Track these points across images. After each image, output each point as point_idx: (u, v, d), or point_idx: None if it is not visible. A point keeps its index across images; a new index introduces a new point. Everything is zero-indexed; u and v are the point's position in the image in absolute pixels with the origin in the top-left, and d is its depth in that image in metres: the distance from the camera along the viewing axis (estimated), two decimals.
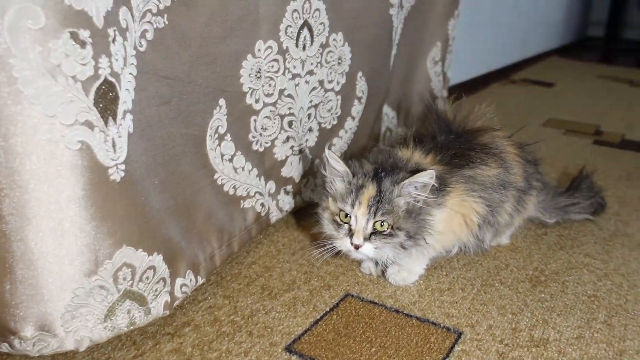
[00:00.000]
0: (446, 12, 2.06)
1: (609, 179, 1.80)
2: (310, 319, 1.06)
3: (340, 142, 1.54)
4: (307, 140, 1.40)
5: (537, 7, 3.88)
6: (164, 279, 0.97)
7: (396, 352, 0.97)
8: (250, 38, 1.14)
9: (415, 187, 1.06)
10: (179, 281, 1.02)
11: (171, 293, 1.00)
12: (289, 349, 0.98)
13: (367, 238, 1.07)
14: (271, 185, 1.32)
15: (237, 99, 1.15)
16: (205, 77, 1.06)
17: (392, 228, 1.07)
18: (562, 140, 2.24)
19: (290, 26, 1.22)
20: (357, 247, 1.07)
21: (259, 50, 1.16)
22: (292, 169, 1.37)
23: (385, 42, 1.64)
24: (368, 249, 1.08)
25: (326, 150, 1.12)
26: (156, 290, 0.96)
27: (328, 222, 1.12)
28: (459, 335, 1.02)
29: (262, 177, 1.28)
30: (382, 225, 1.07)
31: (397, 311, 1.09)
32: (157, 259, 0.95)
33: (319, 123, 1.43)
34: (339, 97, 1.46)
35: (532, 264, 1.28)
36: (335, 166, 1.11)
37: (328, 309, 1.09)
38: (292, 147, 1.34)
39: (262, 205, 1.29)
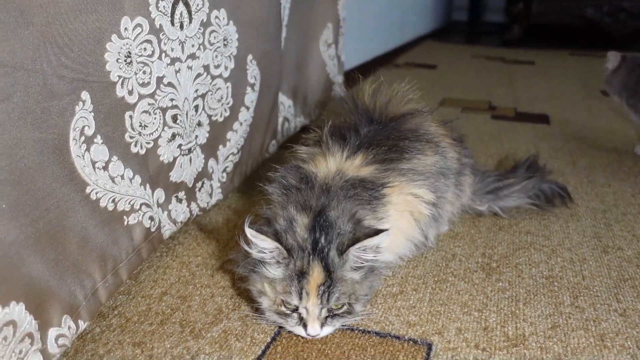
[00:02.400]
0: None
1: (523, 149, 1.80)
2: (251, 357, 0.86)
3: (236, 136, 1.35)
4: (196, 137, 1.20)
5: None
6: (30, 335, 0.74)
7: None
8: (113, 14, 0.92)
9: (365, 250, 0.87)
10: (52, 332, 0.79)
11: (43, 350, 0.76)
12: None
13: (324, 323, 0.88)
14: (159, 194, 1.11)
15: (104, 90, 0.93)
16: (58, 64, 0.83)
17: (349, 304, 0.88)
18: (463, 117, 2.21)
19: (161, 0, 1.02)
20: (314, 336, 0.88)
21: (126, 29, 0.95)
22: (183, 172, 1.16)
23: (275, 22, 1.48)
24: (326, 332, 0.89)
25: (246, 229, 0.86)
26: (21, 352, 0.72)
27: (271, 312, 0.90)
28: (429, 346, 0.89)
29: (148, 185, 1.06)
30: (336, 306, 0.88)
31: (351, 329, 0.93)
32: (17, 310, 0.72)
33: (209, 116, 1.23)
34: (229, 84, 1.28)
35: (478, 250, 1.19)
36: (262, 245, 0.87)
37: (269, 339, 0.90)
38: (179, 145, 1.14)
39: (151, 218, 1.07)
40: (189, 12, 1.11)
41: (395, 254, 1.06)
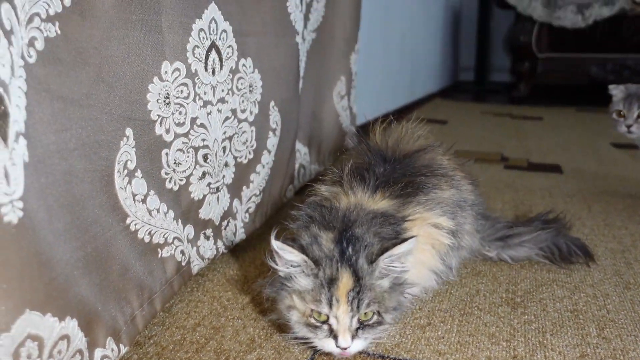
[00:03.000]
0: (347, 46, 2.09)
1: (538, 196, 1.87)
2: None
3: (258, 178, 1.44)
4: (224, 176, 1.28)
5: (419, 53, 4.14)
6: (80, 352, 0.80)
7: None
8: (155, 58, 1.03)
9: (393, 259, 0.94)
10: (98, 352, 0.85)
11: None
12: None
13: (355, 335, 0.92)
14: (189, 230, 1.18)
15: (145, 128, 1.02)
16: (108, 101, 0.93)
17: (379, 314, 0.93)
18: (476, 167, 2.31)
19: (197, 47, 1.13)
20: (344, 349, 0.92)
21: (166, 72, 1.06)
22: (211, 210, 1.24)
23: (294, 72, 1.60)
24: (357, 347, 0.93)
25: (273, 241, 0.92)
26: None
27: (300, 325, 0.94)
28: None
29: (180, 220, 1.14)
30: (366, 315, 0.92)
31: (382, 357, 0.98)
32: (71, 325, 0.78)
33: (235, 157, 1.33)
34: (253, 128, 1.38)
35: (502, 286, 1.24)
36: (289, 258, 0.93)
37: None
38: (209, 184, 1.22)
39: (182, 253, 1.15)
40: (220, 60, 1.22)
41: (419, 287, 1.11)
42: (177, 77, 1.09)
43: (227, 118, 1.27)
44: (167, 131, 1.08)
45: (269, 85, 1.43)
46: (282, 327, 1.03)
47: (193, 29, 1.12)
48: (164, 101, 1.06)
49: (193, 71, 1.13)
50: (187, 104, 1.13)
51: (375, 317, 0.93)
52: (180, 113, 1.11)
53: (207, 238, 1.25)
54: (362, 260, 0.92)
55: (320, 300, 0.91)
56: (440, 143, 1.23)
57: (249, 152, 1.38)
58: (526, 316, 1.12)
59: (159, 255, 1.08)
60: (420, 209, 1.06)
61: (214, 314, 1.11)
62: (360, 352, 0.98)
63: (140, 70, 1.00)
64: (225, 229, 1.32)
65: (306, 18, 1.78)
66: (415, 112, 3.81)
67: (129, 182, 0.99)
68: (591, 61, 4.31)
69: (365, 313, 0.92)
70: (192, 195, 1.18)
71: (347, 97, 2.12)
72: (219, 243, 1.29)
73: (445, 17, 4.89)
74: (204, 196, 1.21)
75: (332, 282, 0.91)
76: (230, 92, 1.27)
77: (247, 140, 1.36)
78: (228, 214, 1.32)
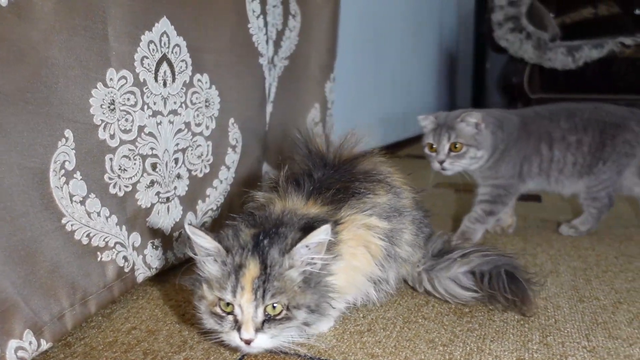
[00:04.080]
0: (322, 75, 2.13)
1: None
2: None
3: (215, 193, 1.45)
4: (175, 187, 1.30)
5: (412, 92, 4.20)
6: None
7: None
8: (99, 64, 1.06)
9: (309, 249, 0.92)
10: (13, 343, 0.85)
11: (1, 358, 0.82)
12: None
13: (260, 328, 0.90)
14: (135, 237, 1.19)
15: (87, 131, 1.05)
16: (45, 101, 0.96)
17: (287, 309, 0.91)
18: (454, 197, 2.31)
19: (146, 57, 1.17)
20: (248, 342, 0.90)
21: (111, 79, 1.09)
22: (160, 219, 1.25)
23: (258, 93, 1.63)
24: (263, 341, 0.90)
25: (186, 225, 0.93)
26: None
27: (207, 315, 0.93)
28: None
29: (124, 227, 1.15)
30: (274, 308, 0.90)
31: (313, 358, 0.97)
32: None
33: (189, 170, 1.34)
34: (210, 142, 1.40)
35: None
36: (202, 244, 0.93)
37: None
38: (158, 193, 1.24)
39: (125, 259, 1.15)
40: (173, 72, 1.25)
41: (354, 293, 1.09)
42: (123, 85, 1.12)
43: (179, 130, 1.29)
44: (112, 137, 1.11)
45: (229, 102, 1.45)
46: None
47: (142, 40, 1.15)
48: (109, 107, 1.09)
49: (141, 80, 1.16)
50: (135, 112, 1.15)
51: (284, 311, 0.91)
52: (126, 120, 1.13)
53: (156, 247, 1.25)
54: (274, 251, 0.92)
55: (226, 288, 0.90)
56: (378, 149, 1.23)
57: (205, 166, 1.40)
58: (470, 324, 1.10)
59: (99, 258, 1.08)
60: (352, 212, 1.05)
61: (152, 319, 1.11)
62: (287, 354, 0.96)
63: (82, 74, 1.03)
64: (177, 240, 1.32)
65: (277, 44, 1.83)
66: (406, 149, 3.85)
67: (66, 183, 1.01)
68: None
69: (273, 306, 0.90)
70: (138, 203, 1.19)
71: (321, 124, 2.15)
72: (169, 254, 1.29)
73: (440, 59, 4.98)
74: (152, 205, 1.23)
75: (239, 269, 0.90)
76: (183, 105, 1.30)
77: (202, 154, 1.38)
78: (180, 226, 1.33)
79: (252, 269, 0.90)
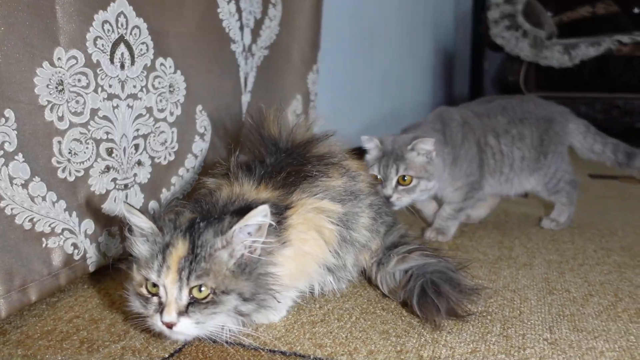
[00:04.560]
0: (304, 66, 2.07)
1: (493, 215, 1.81)
2: None
3: (181, 181, 1.39)
4: (135, 174, 1.24)
5: (405, 90, 4.12)
6: None
7: None
8: (45, 42, 1.01)
9: (248, 232, 0.87)
10: None
11: None
12: None
13: (184, 312, 0.84)
14: (88, 225, 1.13)
15: (31, 112, 0.99)
16: None
17: (215, 293, 0.84)
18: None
19: (100, 37, 1.11)
20: (170, 326, 0.83)
21: (59, 58, 1.03)
22: (118, 207, 1.19)
23: (231, 82, 1.57)
24: (186, 326, 0.83)
25: (123, 204, 0.88)
26: None
27: (134, 297, 0.88)
28: None
29: (75, 213, 1.09)
30: (200, 292, 0.84)
31: (257, 349, 0.91)
32: None
33: (152, 157, 1.28)
34: (175, 129, 1.34)
35: None
36: (137, 223, 0.88)
37: (167, 356, 0.89)
38: (114, 179, 1.18)
39: (75, 246, 1.09)
40: (132, 55, 1.20)
41: (306, 281, 1.03)
42: (73, 65, 1.06)
43: (140, 115, 1.23)
44: (61, 119, 1.05)
45: (196, 89, 1.40)
46: None
47: (95, 19, 1.10)
48: (56, 88, 1.03)
49: (94, 61, 1.10)
50: (87, 93, 1.10)
51: (211, 295, 0.84)
52: (77, 102, 1.08)
53: (113, 235, 1.19)
54: (208, 232, 0.86)
55: (152, 267, 0.85)
56: (333, 132, 1.17)
57: (169, 154, 1.34)
58: None
59: (43, 244, 1.03)
60: (304, 195, 0.99)
61: (98, 308, 1.05)
62: (230, 344, 0.90)
63: (25, 52, 0.97)
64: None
65: (255, 33, 1.77)
66: None
67: (5, 164, 0.95)
68: (580, 100, 4.25)
69: (200, 289, 0.84)
70: (92, 189, 1.13)
71: (303, 116, 2.08)
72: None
73: (436, 57, 4.90)
74: (108, 191, 1.17)
75: (166, 248, 0.85)
76: (144, 89, 1.24)
77: (166, 141, 1.32)
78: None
79: (180, 248, 0.84)
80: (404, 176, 1.38)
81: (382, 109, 3.64)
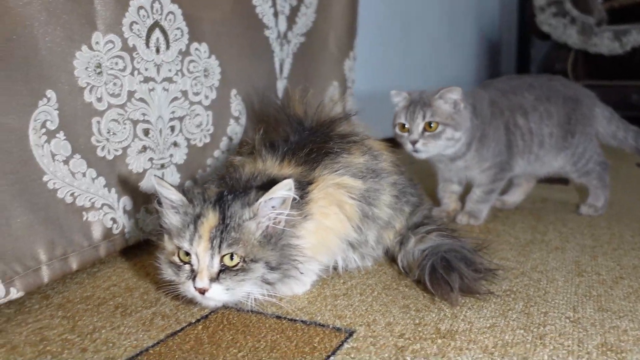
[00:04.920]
0: (340, 53, 2.08)
1: (529, 201, 1.78)
2: (167, 332, 0.89)
3: (217, 163, 1.43)
4: (171, 155, 1.28)
5: (444, 80, 4.07)
6: None
7: (268, 354, 0.81)
8: (84, 27, 1.05)
9: (272, 205, 0.90)
10: None
11: None
12: None
13: (215, 278, 0.88)
14: (127, 201, 1.18)
15: (71, 93, 1.04)
16: (25, 61, 0.96)
17: (244, 261, 0.88)
18: None
19: (136, 22, 1.15)
20: (202, 292, 0.87)
21: (97, 42, 1.08)
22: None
23: (265, 67, 1.60)
24: (217, 292, 0.88)
25: (153, 177, 0.93)
26: None
27: (166, 265, 0.92)
28: (350, 334, 0.88)
29: (114, 189, 1.14)
30: (231, 259, 0.88)
31: (279, 317, 0.94)
32: None
33: (187, 139, 1.33)
34: (210, 112, 1.38)
35: None
36: (167, 195, 0.92)
37: (194, 321, 0.93)
38: (151, 159, 1.23)
39: (114, 221, 1.14)
40: (167, 40, 1.24)
41: (328, 255, 1.05)
42: (110, 49, 1.11)
43: (175, 98, 1.28)
44: (99, 100, 1.10)
45: (230, 73, 1.43)
46: None
47: (131, 5, 1.14)
48: (95, 70, 1.08)
49: (130, 46, 1.15)
50: (124, 76, 1.14)
51: (241, 263, 0.88)
52: (114, 84, 1.13)
53: (150, 212, 1.24)
54: (236, 204, 0.90)
55: (184, 236, 0.89)
56: (356, 111, 1.18)
57: (205, 136, 1.38)
58: None
59: (84, 218, 1.08)
60: (325, 171, 1.01)
61: (134, 278, 1.11)
62: (254, 312, 0.93)
63: (65, 37, 1.02)
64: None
65: (291, 20, 1.79)
66: None
67: (48, 141, 1.01)
68: (631, 89, 4.10)
69: (231, 257, 0.88)
70: (129, 167, 1.18)
71: (340, 103, 2.09)
72: None
73: (479, 46, 4.81)
74: (145, 170, 1.22)
75: (198, 218, 0.89)
76: (179, 73, 1.28)
77: (201, 124, 1.36)
78: None
79: (211, 218, 0.89)
80: (430, 122, 1.37)
81: None
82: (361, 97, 2.32)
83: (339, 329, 0.89)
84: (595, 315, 0.94)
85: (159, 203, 0.94)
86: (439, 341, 0.85)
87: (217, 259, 0.88)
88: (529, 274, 1.14)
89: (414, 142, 1.38)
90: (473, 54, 4.73)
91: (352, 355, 0.80)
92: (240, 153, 1.12)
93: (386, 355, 0.81)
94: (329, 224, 1.00)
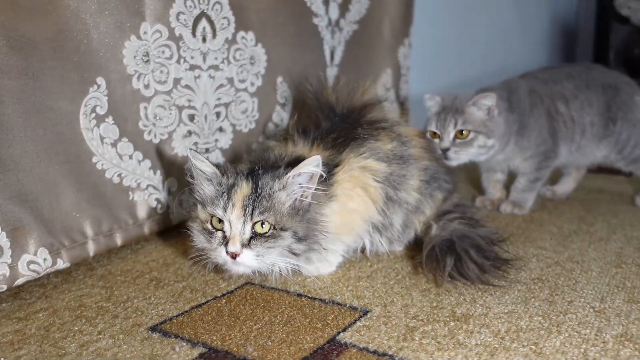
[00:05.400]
0: (395, 40, 2.07)
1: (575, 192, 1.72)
2: (192, 304, 0.95)
3: (261, 148, 1.47)
4: (216, 140, 1.34)
5: (509, 68, 3.93)
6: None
7: (281, 328, 0.85)
8: (133, 18, 1.12)
9: (300, 181, 0.94)
10: (25, 257, 0.95)
11: (12, 267, 0.91)
12: (153, 329, 0.86)
13: (246, 244, 0.92)
14: (172, 183, 1.25)
15: (120, 80, 1.12)
16: (76, 50, 1.03)
17: (274, 228, 0.92)
18: None
19: (182, 13, 1.21)
20: (234, 256, 0.91)
21: (145, 32, 1.14)
22: None
23: (314, 54, 1.62)
24: (248, 258, 0.92)
25: (189, 151, 0.98)
26: None
27: (199, 233, 0.97)
28: (365, 313, 0.90)
29: (159, 172, 1.21)
30: (262, 227, 0.92)
31: (300, 295, 0.97)
32: None
33: (233, 125, 1.38)
34: (255, 99, 1.42)
35: None
36: (201, 167, 0.97)
37: (219, 295, 0.98)
38: (195, 143, 1.29)
39: (158, 201, 1.22)
40: (213, 29, 1.29)
41: (352, 236, 1.07)
42: (157, 38, 1.17)
43: (221, 85, 1.33)
44: (147, 86, 1.17)
45: (276, 60, 1.47)
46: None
47: None
48: (143, 59, 1.15)
49: (177, 35, 1.21)
50: (170, 64, 1.20)
51: (271, 230, 0.92)
52: (161, 72, 1.19)
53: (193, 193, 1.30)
54: (267, 176, 0.95)
55: (218, 204, 0.94)
56: (386, 97, 1.19)
57: (250, 122, 1.43)
58: None
59: (130, 197, 1.16)
60: (350, 155, 1.04)
61: (172, 255, 1.18)
62: (277, 289, 0.97)
63: (115, 27, 1.09)
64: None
65: (344, 7, 1.80)
66: None
67: (97, 125, 1.08)
68: None
69: (262, 225, 0.92)
70: (175, 151, 1.25)
71: (393, 90, 2.09)
72: None
73: (552, 31, 4.60)
74: None
75: (231, 188, 0.94)
76: (225, 60, 1.33)
77: (247, 110, 1.41)
78: None
79: (244, 188, 0.94)
80: (461, 130, 1.35)
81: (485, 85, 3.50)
82: (417, 86, 2.30)
83: (355, 308, 0.91)
84: (622, 306, 0.91)
85: (192, 177, 1.00)
86: (452, 324, 0.85)
87: (249, 226, 0.92)
88: (563, 263, 1.11)
89: (445, 150, 1.35)
90: (545, 40, 4.54)
91: (362, 333, 0.83)
92: (275, 138, 1.16)
93: (395, 334, 0.82)
94: (353, 206, 1.02)
